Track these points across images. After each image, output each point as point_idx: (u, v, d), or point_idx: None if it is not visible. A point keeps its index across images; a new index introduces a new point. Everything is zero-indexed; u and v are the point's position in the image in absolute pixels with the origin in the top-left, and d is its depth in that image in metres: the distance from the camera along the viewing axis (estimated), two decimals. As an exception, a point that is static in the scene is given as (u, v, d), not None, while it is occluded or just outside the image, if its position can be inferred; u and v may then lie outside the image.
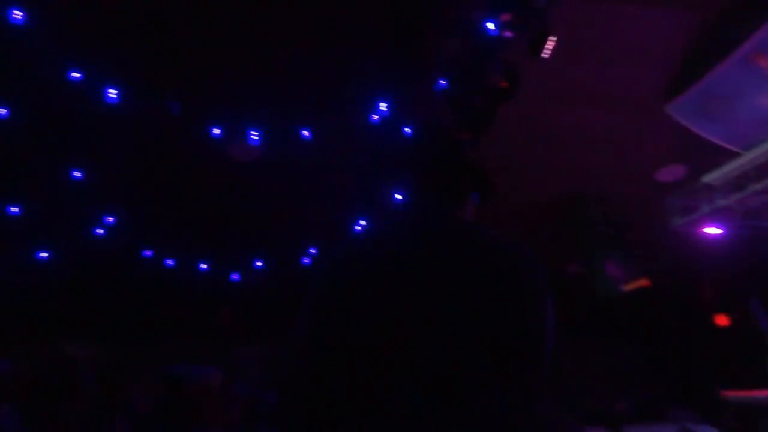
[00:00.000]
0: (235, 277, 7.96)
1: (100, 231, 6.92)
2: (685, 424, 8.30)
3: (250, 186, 6.44)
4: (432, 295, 1.12)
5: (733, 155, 6.03)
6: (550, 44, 4.10)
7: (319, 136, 5.14)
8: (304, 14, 4.68)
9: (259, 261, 7.85)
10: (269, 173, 6.15)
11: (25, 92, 4.87)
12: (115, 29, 4.71)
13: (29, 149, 5.70)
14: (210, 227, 7.23)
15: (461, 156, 1.45)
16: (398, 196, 6.05)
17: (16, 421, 2.78)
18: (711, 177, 6.37)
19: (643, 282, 7.17)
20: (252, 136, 5.14)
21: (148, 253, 7.49)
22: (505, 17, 3.60)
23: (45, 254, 6.95)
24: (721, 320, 9.90)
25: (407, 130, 5.24)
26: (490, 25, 3.62)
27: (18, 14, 4.01)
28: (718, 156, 6.17)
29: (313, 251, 7.32)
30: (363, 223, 6.11)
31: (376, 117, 4.87)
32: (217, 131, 5.22)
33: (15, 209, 6.21)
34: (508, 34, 3.79)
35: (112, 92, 4.65)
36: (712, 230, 6.74)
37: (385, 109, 4.68)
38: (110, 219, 6.85)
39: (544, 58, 4.29)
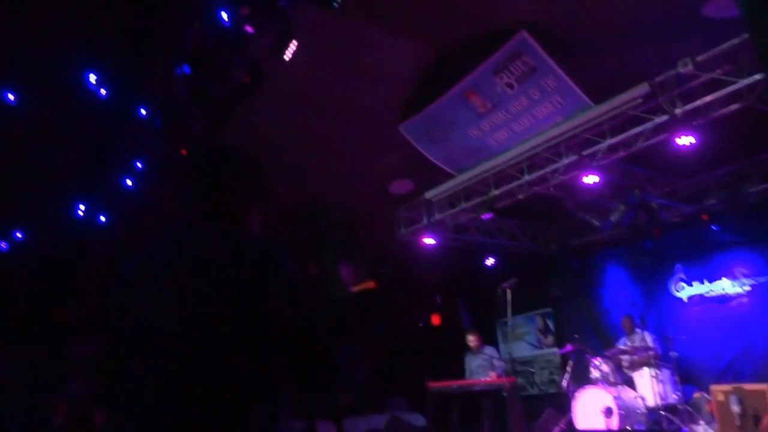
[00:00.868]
0: None
1: None
2: (395, 413, 9.18)
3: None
4: (182, 292, 1.42)
5: (449, 176, 6.92)
6: (292, 47, 4.18)
7: (31, 105, 4.46)
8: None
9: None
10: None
11: None
12: None
13: None
14: None
15: (243, 180, 1.65)
16: (128, 182, 5.59)
17: None
18: (431, 193, 7.22)
19: (369, 284, 7.75)
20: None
21: None
22: (245, 11, 3.58)
23: None
24: (435, 320, 11.24)
25: (142, 111, 4.87)
26: (224, 15, 3.55)
27: None
28: (439, 175, 7.03)
29: (19, 236, 6.29)
30: (82, 206, 5.45)
31: (103, 92, 4.40)
32: None
33: None
34: (249, 29, 3.77)
35: None
36: (429, 240, 7.62)
37: (102, 84, 4.26)
38: None
39: (289, 62, 4.38)
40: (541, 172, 6.22)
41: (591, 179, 5.93)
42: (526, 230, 8.55)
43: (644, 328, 7.49)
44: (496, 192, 6.59)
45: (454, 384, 7.51)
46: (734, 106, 4.75)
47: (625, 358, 7.41)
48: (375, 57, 5.56)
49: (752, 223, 6.93)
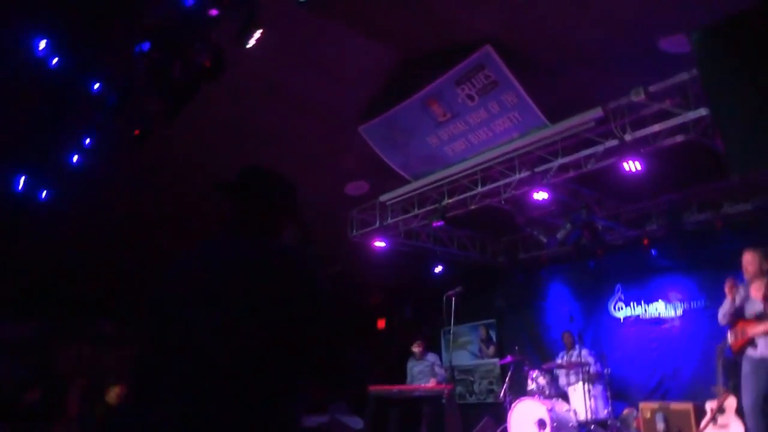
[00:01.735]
0: None
1: None
2: (334, 415, 9.14)
3: None
4: (222, 294, 1.58)
5: (405, 181, 6.97)
6: (257, 35, 4.12)
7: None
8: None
9: None
10: None
11: None
12: None
13: None
14: None
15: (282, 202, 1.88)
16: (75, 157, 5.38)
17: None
18: (385, 197, 7.24)
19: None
20: None
21: None
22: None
23: None
24: (381, 324, 11.27)
25: (95, 86, 4.70)
26: (188, -5, 3.48)
27: None
28: (394, 180, 7.06)
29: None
30: (22, 179, 5.22)
31: (54, 62, 4.23)
32: None
33: None
34: (213, 12, 3.70)
35: None
36: (380, 243, 7.64)
37: (54, 53, 4.10)
38: None
39: (252, 51, 4.31)
40: (494, 185, 6.34)
41: (541, 196, 6.08)
42: (475, 241, 8.68)
43: (582, 344, 7.72)
44: (449, 201, 6.67)
45: (395, 389, 7.55)
46: (679, 138, 4.96)
47: (562, 372, 7.62)
48: (339, 56, 5.53)
49: (689, 250, 7.26)
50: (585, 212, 6.63)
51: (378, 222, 7.54)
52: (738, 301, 5.45)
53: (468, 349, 9.87)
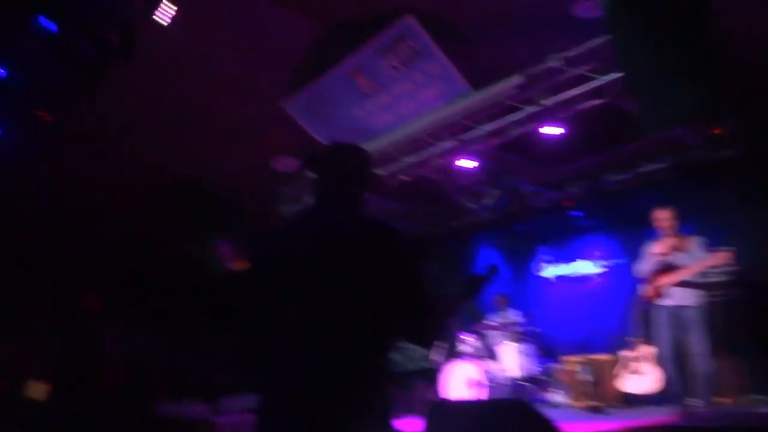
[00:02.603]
0: None
1: None
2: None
3: None
4: (315, 269, 1.69)
5: (334, 155, 6.88)
6: (170, 12, 3.91)
7: None
8: None
9: None
10: None
11: None
12: None
13: None
14: None
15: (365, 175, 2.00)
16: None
17: None
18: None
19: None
20: None
21: None
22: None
23: None
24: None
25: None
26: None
27: None
28: (323, 154, 6.97)
29: None
30: None
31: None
32: None
33: None
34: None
35: None
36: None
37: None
38: None
39: (168, 28, 4.11)
40: (422, 155, 6.38)
41: (468, 164, 6.19)
42: (408, 211, 8.75)
43: (512, 305, 8.02)
44: (378, 173, 6.67)
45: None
46: (596, 101, 5.14)
47: (494, 332, 7.89)
48: (260, 29, 5.37)
49: (610, 210, 7.62)
50: (511, 178, 6.80)
51: (308, 198, 7.44)
52: (652, 259, 5.82)
53: (405, 318, 10.02)
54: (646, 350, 6.36)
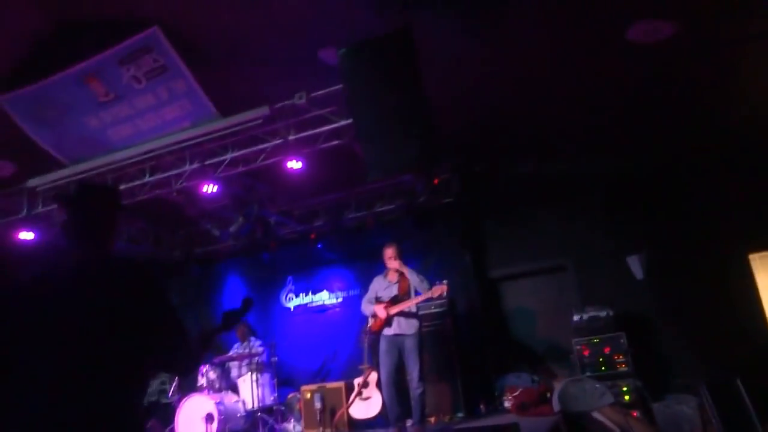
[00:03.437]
0: None
1: None
2: None
3: None
4: (70, 311, 1.71)
5: (62, 165, 6.15)
6: None
7: None
8: None
9: None
10: None
11: None
12: None
13: None
14: None
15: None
16: None
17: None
18: (35, 182, 6.28)
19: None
20: None
21: None
22: None
23: None
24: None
25: None
26: None
27: None
28: (48, 163, 6.16)
29: None
30: None
31: None
32: None
33: None
34: None
35: None
36: (27, 235, 6.60)
37: None
38: None
39: None
40: (164, 175, 6.06)
41: (211, 189, 6.06)
42: (149, 234, 8.19)
43: (254, 335, 7.97)
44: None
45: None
46: (335, 142, 5.49)
47: (234, 364, 7.72)
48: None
49: (348, 244, 8.14)
50: (257, 207, 6.84)
51: (26, 210, 6.49)
52: (378, 292, 6.35)
53: (139, 350, 9.25)
54: (373, 377, 6.86)
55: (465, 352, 7.25)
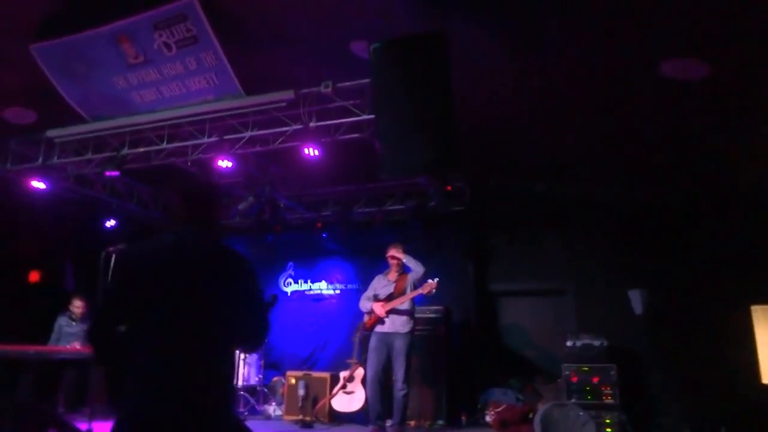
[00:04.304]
0: None
1: None
2: None
3: None
4: (176, 280, 2.15)
5: (82, 120, 6.19)
6: None
7: None
8: None
9: None
10: None
11: None
12: None
13: None
14: None
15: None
16: None
17: None
18: (54, 133, 6.33)
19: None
20: None
21: None
22: None
23: None
24: (34, 277, 9.86)
25: None
26: None
27: None
28: (69, 117, 6.20)
29: None
30: None
31: None
32: None
33: None
34: None
35: None
36: (39, 184, 6.66)
37: None
38: None
39: None
40: (181, 144, 6.09)
41: (226, 164, 6.08)
42: (158, 199, 8.23)
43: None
44: (130, 151, 6.18)
45: (31, 349, 6.69)
46: (355, 135, 5.49)
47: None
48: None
49: (353, 238, 8.14)
50: (269, 188, 6.86)
51: (41, 160, 6.54)
52: (377, 290, 6.36)
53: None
54: (359, 372, 6.87)
55: (454, 360, 7.25)
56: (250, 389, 7.48)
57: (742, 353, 6.50)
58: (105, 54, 5.41)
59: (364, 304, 6.35)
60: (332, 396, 6.97)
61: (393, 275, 6.35)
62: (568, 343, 6.44)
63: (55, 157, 6.51)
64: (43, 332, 7.41)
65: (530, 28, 4.50)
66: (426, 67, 4.19)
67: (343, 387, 6.92)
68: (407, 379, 6.00)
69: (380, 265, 6.74)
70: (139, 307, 2.11)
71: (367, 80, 5.07)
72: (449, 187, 6.61)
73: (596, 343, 6.32)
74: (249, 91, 5.46)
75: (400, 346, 6.01)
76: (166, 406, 2.03)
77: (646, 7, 4.27)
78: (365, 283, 7.05)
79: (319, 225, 8.01)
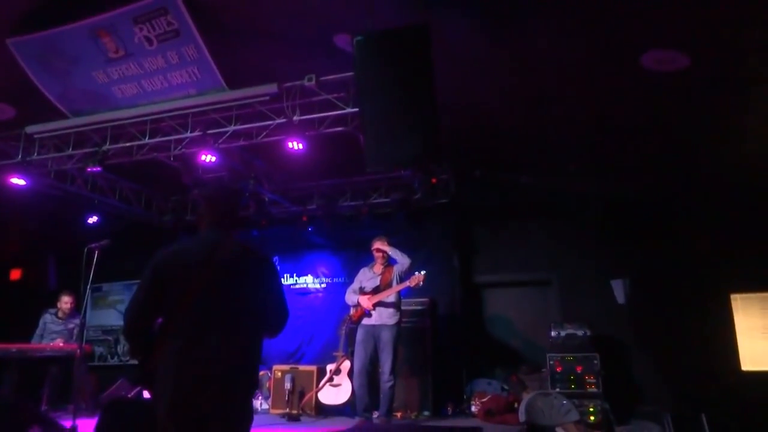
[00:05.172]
0: None
1: None
2: None
3: None
4: (206, 280, 2.39)
5: (62, 116, 6.11)
6: None
7: None
8: None
9: None
10: None
11: None
12: None
13: None
14: None
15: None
16: None
17: None
18: (33, 129, 6.24)
19: None
20: None
21: None
22: None
23: None
24: (15, 274, 9.75)
25: None
26: None
27: None
28: (50, 112, 6.12)
29: None
30: None
31: None
32: None
33: None
34: None
35: None
36: (18, 181, 6.57)
37: None
38: None
39: None
40: (164, 139, 6.04)
41: (209, 158, 6.05)
42: (141, 196, 8.16)
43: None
44: (111, 147, 6.11)
45: (14, 347, 6.65)
46: (339, 128, 5.48)
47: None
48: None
49: (339, 231, 8.14)
50: (253, 183, 6.82)
51: (21, 156, 6.45)
52: (363, 282, 6.37)
53: (117, 309, 9.26)
54: (345, 365, 6.90)
55: (440, 352, 7.29)
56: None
57: (722, 341, 6.65)
58: (85, 48, 5.35)
59: (351, 297, 6.36)
60: (319, 389, 6.99)
61: (378, 268, 6.37)
62: (552, 333, 6.51)
63: (35, 154, 6.42)
64: (25, 330, 7.33)
65: (513, 20, 4.52)
66: (409, 60, 4.19)
67: (330, 380, 6.94)
68: (394, 371, 6.04)
69: (366, 258, 6.75)
70: (174, 303, 2.33)
71: (350, 73, 5.06)
72: (434, 180, 6.63)
73: (580, 332, 6.40)
74: (232, 85, 5.43)
75: (387, 337, 6.04)
76: (200, 391, 2.24)
77: (627, -1, 4.31)
78: (351, 277, 7.05)
79: (305, 219, 7.99)
